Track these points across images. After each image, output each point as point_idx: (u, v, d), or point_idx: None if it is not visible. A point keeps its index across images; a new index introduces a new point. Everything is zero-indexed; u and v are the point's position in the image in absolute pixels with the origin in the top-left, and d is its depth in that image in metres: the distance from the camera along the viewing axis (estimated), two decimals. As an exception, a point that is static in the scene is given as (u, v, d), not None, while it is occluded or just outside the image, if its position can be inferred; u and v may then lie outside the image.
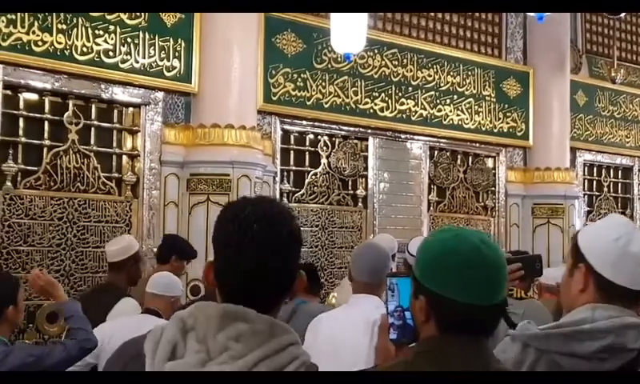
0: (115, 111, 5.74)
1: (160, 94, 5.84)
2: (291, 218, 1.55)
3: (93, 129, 5.61)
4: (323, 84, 6.84)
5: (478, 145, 8.18)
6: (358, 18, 5.54)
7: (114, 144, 5.75)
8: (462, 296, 1.50)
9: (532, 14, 4.77)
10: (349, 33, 5.56)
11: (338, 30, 5.61)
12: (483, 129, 8.10)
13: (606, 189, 9.61)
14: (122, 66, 5.57)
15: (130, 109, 5.81)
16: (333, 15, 5.68)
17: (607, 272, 1.76)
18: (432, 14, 7.84)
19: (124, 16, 5.57)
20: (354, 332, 3.04)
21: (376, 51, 7.23)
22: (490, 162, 8.40)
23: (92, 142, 5.60)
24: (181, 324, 1.44)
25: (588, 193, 9.39)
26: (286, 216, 1.54)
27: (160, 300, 3.87)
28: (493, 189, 8.36)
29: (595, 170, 9.53)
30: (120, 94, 5.66)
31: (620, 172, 9.81)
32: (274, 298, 1.54)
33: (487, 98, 8.16)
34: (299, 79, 6.68)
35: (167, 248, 5.08)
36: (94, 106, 5.61)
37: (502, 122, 8.27)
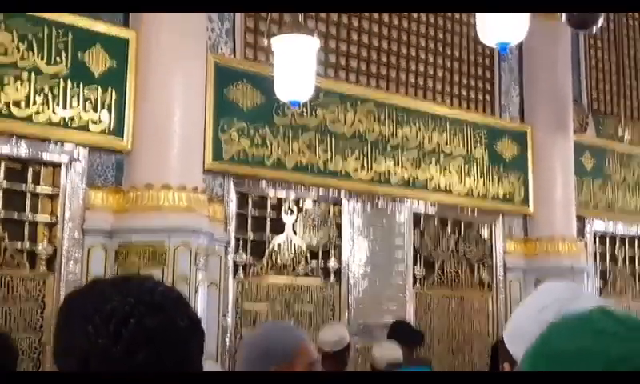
0: (30, 170, 4.96)
1: (84, 151, 5.06)
2: (185, 302, 1.10)
3: (0, 191, 4.83)
4: (286, 140, 6.06)
5: (470, 211, 7.27)
6: (304, 64, 4.79)
7: (27, 209, 4.94)
8: None
9: (494, 45, 4.06)
10: (294, 79, 4.80)
11: (281, 77, 4.84)
12: (475, 193, 7.23)
13: (621, 262, 8.60)
14: (36, 118, 4.83)
15: (49, 168, 5.03)
16: (276, 62, 4.93)
17: None
18: (412, 67, 7.07)
19: (40, 62, 4.86)
20: None
21: (348, 106, 6.45)
22: (485, 231, 7.48)
23: (-1, 206, 4.81)
24: None
25: (600, 266, 8.40)
26: (177, 298, 1.08)
27: None
28: (489, 261, 7.42)
29: (608, 240, 8.55)
30: (35, 151, 4.89)
31: (636, 242, 8.79)
32: None
33: (479, 159, 7.31)
34: (257, 135, 5.90)
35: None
36: (2, 165, 4.84)
37: (497, 187, 7.39)
